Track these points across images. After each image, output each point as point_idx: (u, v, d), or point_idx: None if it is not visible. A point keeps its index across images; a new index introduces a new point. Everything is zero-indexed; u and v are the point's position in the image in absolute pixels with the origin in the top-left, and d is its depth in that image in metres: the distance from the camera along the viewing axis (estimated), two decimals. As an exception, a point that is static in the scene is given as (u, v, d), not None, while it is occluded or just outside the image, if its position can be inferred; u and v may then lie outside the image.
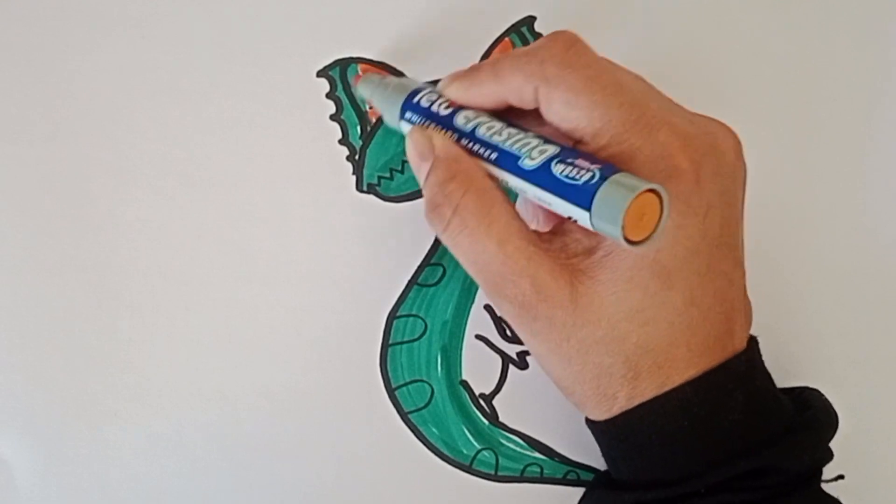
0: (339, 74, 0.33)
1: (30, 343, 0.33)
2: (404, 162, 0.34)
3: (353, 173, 0.34)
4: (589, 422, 0.31)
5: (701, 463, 0.28)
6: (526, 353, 0.34)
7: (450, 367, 0.34)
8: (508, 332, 0.34)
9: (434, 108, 0.29)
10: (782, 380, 0.31)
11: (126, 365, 0.33)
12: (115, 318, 0.33)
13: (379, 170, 0.34)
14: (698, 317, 0.28)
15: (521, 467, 0.35)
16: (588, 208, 0.24)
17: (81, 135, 0.33)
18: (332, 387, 0.34)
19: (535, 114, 0.28)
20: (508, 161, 0.27)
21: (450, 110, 0.29)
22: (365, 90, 0.32)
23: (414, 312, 0.34)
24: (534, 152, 0.26)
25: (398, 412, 0.34)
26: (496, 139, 0.27)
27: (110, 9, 0.33)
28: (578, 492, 0.34)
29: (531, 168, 0.26)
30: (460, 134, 0.28)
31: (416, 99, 0.30)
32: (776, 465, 0.28)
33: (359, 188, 0.34)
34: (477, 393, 0.34)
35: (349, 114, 0.34)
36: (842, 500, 0.30)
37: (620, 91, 0.27)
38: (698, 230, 0.27)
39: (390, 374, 0.34)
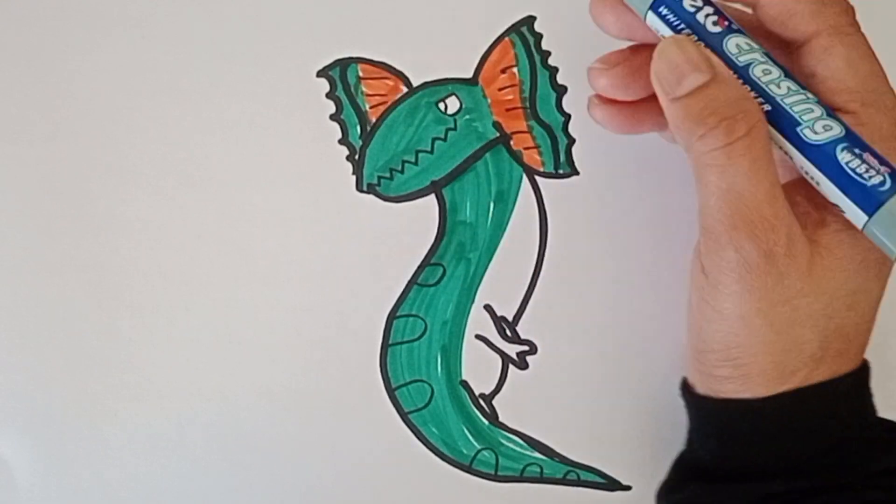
0: (339, 74, 0.33)
1: (30, 343, 0.33)
2: (404, 162, 0.34)
3: (353, 173, 0.34)
4: (701, 398, 0.29)
5: (842, 453, 0.27)
6: (526, 352, 0.34)
7: (450, 367, 0.34)
8: (508, 332, 0.34)
9: (700, 17, 0.25)
10: None
11: (126, 365, 0.33)
12: (115, 318, 0.33)
13: (379, 170, 0.34)
14: (874, 314, 0.28)
15: (521, 467, 0.35)
16: (870, 214, 0.23)
17: (81, 135, 0.33)
18: (332, 387, 0.34)
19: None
20: (786, 122, 0.24)
21: (719, 29, 0.25)
22: None
23: (414, 312, 0.34)
24: (817, 125, 0.24)
25: (398, 412, 0.34)
26: (774, 90, 0.25)
27: (110, 9, 0.33)
28: (578, 492, 0.34)
29: (813, 142, 0.24)
30: (728, 63, 0.25)
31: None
32: None
33: (359, 188, 0.34)
34: (477, 393, 0.34)
35: (349, 114, 0.34)
36: None
37: (885, 75, 0.27)
38: None
39: (390, 374, 0.34)
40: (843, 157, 0.24)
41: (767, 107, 0.25)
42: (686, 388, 0.30)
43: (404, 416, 0.34)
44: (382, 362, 0.34)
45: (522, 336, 0.34)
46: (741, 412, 0.28)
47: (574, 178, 0.34)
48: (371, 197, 0.34)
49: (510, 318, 0.34)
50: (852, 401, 0.28)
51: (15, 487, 0.33)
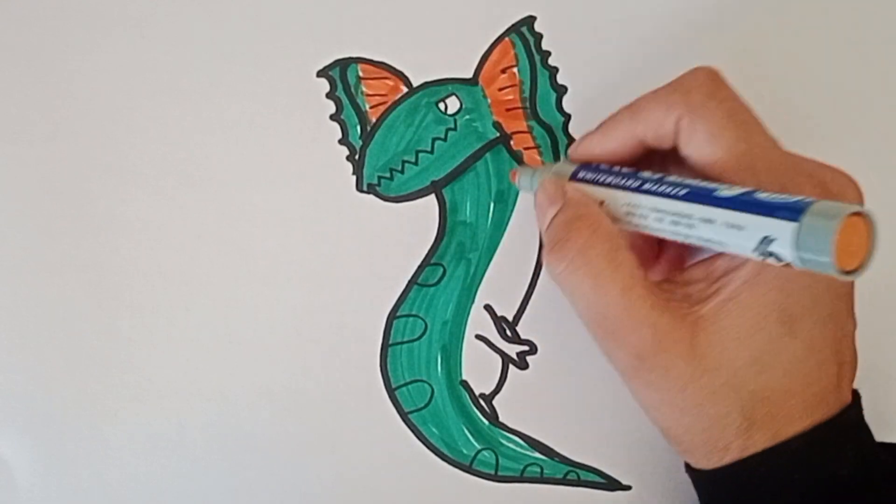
0: (339, 74, 0.33)
1: (30, 343, 0.33)
2: (404, 162, 0.34)
3: (353, 173, 0.34)
4: (690, 469, 0.30)
5: None
6: (526, 352, 0.34)
7: (450, 367, 0.34)
8: (508, 332, 0.34)
9: (610, 178, 0.29)
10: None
11: (126, 365, 0.33)
12: (115, 318, 0.33)
13: (379, 170, 0.34)
14: (815, 367, 0.27)
15: (521, 467, 0.35)
16: (798, 219, 0.22)
17: (81, 135, 0.33)
18: (332, 387, 0.34)
19: (668, 159, 0.28)
20: (702, 193, 0.25)
21: (629, 170, 0.28)
22: (524, 177, 0.32)
23: (414, 312, 0.34)
24: (725, 189, 0.25)
25: (398, 412, 0.34)
26: (686, 182, 0.26)
27: (110, 9, 0.33)
28: (578, 492, 0.34)
29: (731, 195, 0.24)
30: (644, 180, 0.27)
31: (586, 170, 0.30)
32: None
33: (359, 188, 0.34)
34: (477, 393, 0.34)
35: (349, 114, 0.34)
36: None
37: (759, 130, 0.27)
38: (825, 278, 0.26)
39: (390, 374, 0.34)
40: (761, 195, 0.24)
41: (685, 191, 0.26)
42: None
43: (404, 416, 0.34)
44: (382, 362, 0.34)
45: (522, 336, 0.34)
46: (700, 482, 0.30)
47: (574, 178, 0.34)
48: (371, 197, 0.34)
49: (510, 318, 0.34)
50: (807, 462, 0.27)
51: (15, 487, 0.33)
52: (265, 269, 0.34)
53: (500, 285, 0.34)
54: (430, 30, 0.33)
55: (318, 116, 0.33)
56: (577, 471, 0.35)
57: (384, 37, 0.33)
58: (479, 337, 0.34)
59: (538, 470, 0.35)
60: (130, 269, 0.33)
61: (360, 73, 0.33)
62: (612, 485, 0.35)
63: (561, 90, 0.34)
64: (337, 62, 0.33)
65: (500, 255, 0.34)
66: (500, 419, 0.34)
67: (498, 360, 0.34)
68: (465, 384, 0.34)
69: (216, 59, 0.33)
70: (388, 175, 0.34)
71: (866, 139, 0.35)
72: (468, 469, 0.34)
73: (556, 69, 0.34)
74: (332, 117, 0.34)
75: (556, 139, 0.34)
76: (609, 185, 0.28)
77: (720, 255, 0.27)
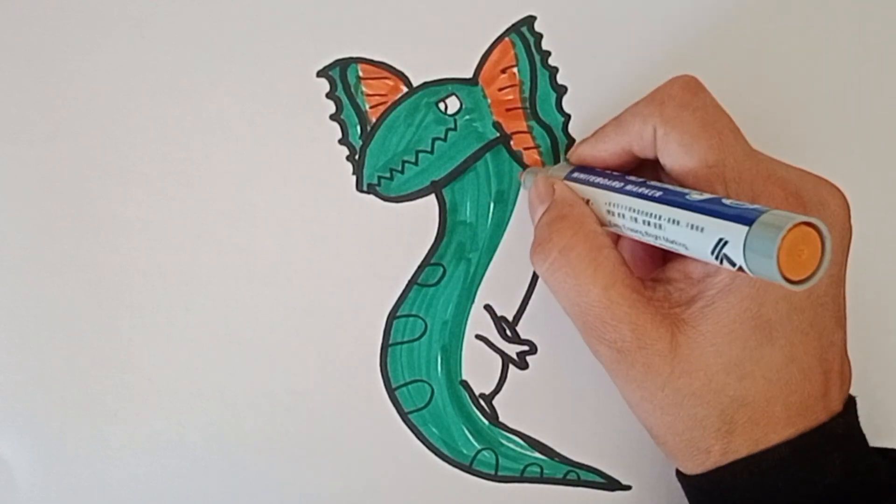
0: (339, 74, 0.33)
1: (30, 343, 0.33)
2: (404, 162, 0.34)
3: (353, 173, 0.34)
4: (679, 475, 0.30)
5: None
6: (526, 352, 0.34)
7: (450, 367, 0.34)
8: (508, 332, 0.34)
9: (600, 179, 0.29)
10: (876, 439, 0.30)
11: (126, 365, 0.33)
12: (115, 318, 0.33)
13: (379, 170, 0.34)
14: (797, 375, 0.27)
15: (521, 467, 0.35)
16: (750, 224, 0.23)
17: (81, 135, 0.33)
18: (332, 387, 0.34)
19: (659, 167, 0.28)
20: (675, 196, 0.26)
21: (618, 173, 0.29)
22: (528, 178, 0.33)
23: (414, 312, 0.34)
24: (695, 194, 0.26)
25: (398, 412, 0.34)
26: (664, 186, 0.27)
27: (110, 9, 0.33)
28: (578, 492, 0.34)
29: (698, 199, 0.25)
30: (627, 182, 0.28)
31: (580, 171, 0.31)
32: None
33: (359, 188, 0.34)
34: (477, 393, 0.34)
35: (349, 114, 0.34)
36: None
37: (734, 139, 0.27)
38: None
39: (390, 374, 0.34)
40: (726, 202, 0.25)
41: (659, 193, 0.27)
42: None
43: (404, 416, 0.34)
44: (382, 362, 0.34)
45: (522, 336, 0.34)
46: (686, 487, 0.30)
47: (574, 178, 0.34)
48: (371, 197, 0.34)
49: (510, 318, 0.34)
50: (791, 470, 0.27)
51: (15, 487, 0.33)
52: (265, 269, 0.34)
53: (500, 285, 0.34)
54: (430, 30, 0.33)
55: (318, 116, 0.33)
56: (577, 471, 0.35)
57: (384, 37, 0.33)
58: (479, 337, 0.34)
59: (538, 470, 0.35)
60: (130, 269, 0.33)
61: (360, 73, 0.33)
62: (612, 485, 0.35)
63: (561, 90, 0.34)
64: (337, 62, 0.33)
65: (500, 255, 0.34)
66: (500, 419, 0.34)
67: (498, 360, 0.34)
68: (465, 384, 0.34)
69: (216, 59, 0.33)
70: (388, 175, 0.34)
71: (865, 143, 0.35)
72: (468, 469, 0.34)
73: (556, 69, 0.34)
74: (332, 117, 0.34)
75: (556, 139, 0.34)
76: (596, 186, 0.29)
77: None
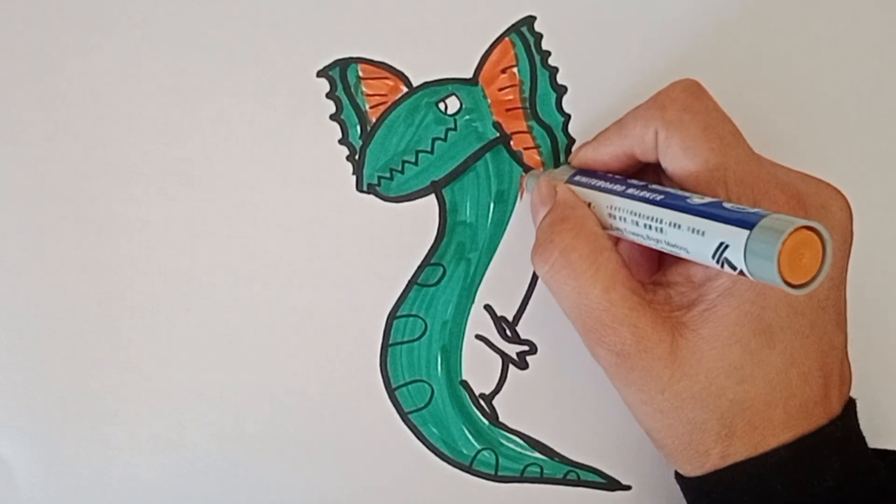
0: (339, 74, 0.33)
1: (30, 343, 0.33)
2: (404, 162, 0.34)
3: (353, 173, 0.34)
4: (678, 477, 0.30)
5: None
6: (526, 352, 0.34)
7: (450, 367, 0.34)
8: (508, 332, 0.34)
9: (603, 182, 0.30)
10: (876, 440, 0.30)
11: (126, 365, 0.33)
12: (115, 318, 0.33)
13: (379, 170, 0.34)
14: (797, 379, 0.27)
15: (521, 467, 0.35)
16: (750, 228, 0.23)
17: (81, 135, 0.33)
18: (332, 387, 0.34)
19: (661, 170, 0.29)
20: (676, 199, 0.26)
21: (620, 177, 0.30)
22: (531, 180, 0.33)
23: (414, 312, 0.34)
24: (696, 198, 0.26)
25: (398, 412, 0.34)
26: (665, 190, 0.27)
27: (110, 9, 0.33)
28: (578, 492, 0.34)
29: (699, 203, 0.25)
30: (629, 185, 0.28)
31: (582, 174, 0.31)
32: None
33: (359, 188, 0.34)
34: (477, 393, 0.34)
35: (349, 114, 0.34)
36: None
37: (736, 143, 0.27)
38: None
39: (390, 374, 0.34)
40: (727, 205, 0.25)
41: (661, 196, 0.27)
42: None
43: (404, 416, 0.34)
44: (382, 362, 0.34)
45: (522, 336, 0.34)
46: (685, 489, 0.30)
47: (574, 178, 0.34)
48: (371, 197, 0.34)
49: (510, 318, 0.34)
50: (790, 473, 0.27)
51: (15, 487, 0.33)
52: (265, 269, 0.34)
53: (500, 285, 0.34)
54: (430, 30, 0.33)
55: (318, 116, 0.33)
56: (577, 471, 0.35)
57: (384, 37, 0.33)
58: (479, 337, 0.34)
59: (538, 470, 0.35)
60: (130, 269, 0.33)
61: (360, 73, 0.33)
62: (612, 485, 0.35)
63: (561, 90, 0.34)
64: (337, 62, 0.33)
65: (500, 255, 0.34)
66: (500, 419, 0.34)
67: (498, 360, 0.34)
68: (465, 384, 0.34)
69: (216, 59, 0.33)
70: (388, 175, 0.34)
71: (866, 145, 0.35)
72: (468, 469, 0.34)
73: (556, 69, 0.34)
74: (332, 117, 0.34)
75: (556, 139, 0.34)
76: (598, 189, 0.29)
77: None
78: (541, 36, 0.34)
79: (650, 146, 0.28)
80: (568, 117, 0.34)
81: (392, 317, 0.34)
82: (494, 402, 0.34)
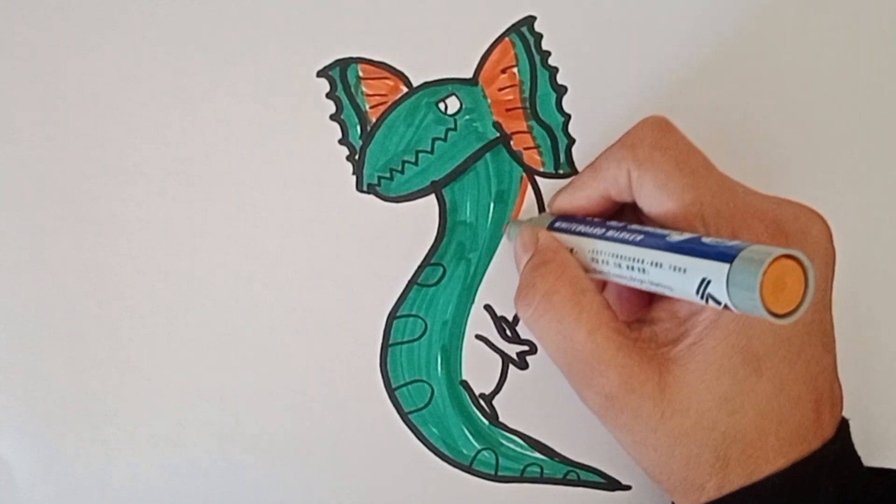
0: (339, 74, 0.33)
1: (30, 343, 0.33)
2: (404, 162, 0.34)
3: (353, 173, 0.34)
4: None
5: None
6: (526, 352, 0.34)
7: (450, 367, 0.34)
8: (508, 332, 0.34)
9: (581, 227, 0.30)
10: (873, 456, 0.30)
11: (126, 365, 0.33)
12: (115, 318, 0.33)
13: (379, 170, 0.34)
14: (788, 405, 0.27)
15: (521, 467, 0.35)
16: (731, 261, 0.23)
17: (81, 135, 0.33)
18: (332, 387, 0.34)
19: (639, 210, 0.29)
20: (656, 238, 0.26)
21: (599, 220, 0.30)
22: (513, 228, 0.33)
23: (414, 312, 0.34)
24: (675, 235, 0.26)
25: (398, 412, 0.34)
26: (644, 229, 0.27)
27: (110, 9, 0.33)
28: (578, 492, 0.34)
29: (678, 240, 0.25)
30: (608, 228, 0.28)
31: (562, 220, 0.31)
32: None
33: (359, 188, 0.34)
34: (477, 393, 0.34)
35: (349, 114, 0.34)
36: None
37: (709, 175, 0.27)
38: None
39: (390, 374, 0.34)
40: (706, 240, 0.25)
41: (640, 237, 0.26)
42: None
43: (404, 416, 0.34)
44: (382, 362, 0.34)
45: (522, 336, 0.34)
46: None
47: (574, 178, 0.34)
48: (371, 197, 0.34)
49: (510, 318, 0.34)
50: (785, 499, 0.27)
51: (15, 487, 0.33)
52: (265, 269, 0.34)
53: (500, 285, 0.34)
54: (430, 30, 0.33)
55: (318, 116, 0.33)
56: (577, 471, 0.35)
57: (384, 37, 0.33)
58: (479, 337, 0.34)
59: (538, 470, 0.35)
60: (130, 269, 0.33)
61: (360, 73, 0.33)
62: (612, 485, 0.35)
63: (561, 90, 0.34)
64: (337, 62, 0.33)
65: (500, 255, 0.34)
66: (500, 419, 0.34)
67: (498, 360, 0.34)
68: (465, 384, 0.34)
69: (216, 59, 0.33)
70: (388, 175, 0.34)
71: (850, 162, 0.35)
72: (468, 469, 0.34)
73: (556, 69, 0.34)
74: (332, 117, 0.34)
75: (556, 139, 0.34)
76: (578, 234, 0.29)
77: None
78: (541, 36, 0.34)
79: (624, 187, 0.28)
80: (568, 117, 0.34)
81: (392, 317, 0.34)
82: (494, 402, 0.34)
